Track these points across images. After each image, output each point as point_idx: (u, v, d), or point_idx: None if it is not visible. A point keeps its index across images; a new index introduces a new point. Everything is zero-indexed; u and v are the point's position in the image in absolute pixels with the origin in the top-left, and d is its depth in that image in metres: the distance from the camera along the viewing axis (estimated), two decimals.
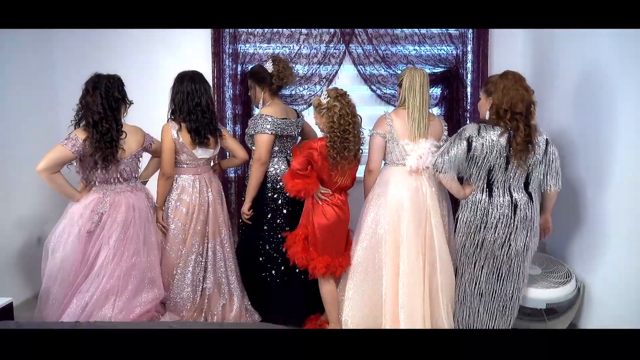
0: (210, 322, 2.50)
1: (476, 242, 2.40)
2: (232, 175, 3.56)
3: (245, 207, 2.75)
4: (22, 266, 3.13)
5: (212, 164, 2.87)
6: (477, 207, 2.38)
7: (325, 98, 2.49)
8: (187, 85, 2.56)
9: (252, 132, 2.73)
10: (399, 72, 2.96)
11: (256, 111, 3.43)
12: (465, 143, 2.31)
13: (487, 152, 2.29)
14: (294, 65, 3.38)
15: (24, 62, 3.18)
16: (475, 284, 2.44)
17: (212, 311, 2.69)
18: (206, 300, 2.71)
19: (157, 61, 3.44)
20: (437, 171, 2.37)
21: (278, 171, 2.78)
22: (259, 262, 2.77)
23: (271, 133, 2.68)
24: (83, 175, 2.45)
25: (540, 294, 2.51)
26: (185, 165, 2.67)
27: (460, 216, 2.46)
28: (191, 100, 2.56)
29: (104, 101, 2.33)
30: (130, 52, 3.45)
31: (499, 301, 2.44)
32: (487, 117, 2.37)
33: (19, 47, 3.11)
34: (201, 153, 2.65)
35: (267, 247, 2.74)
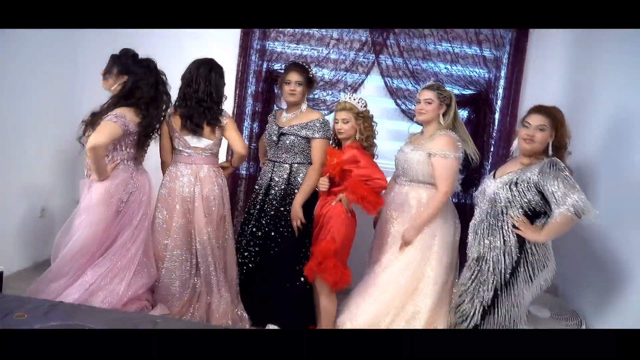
0: (194, 321, 2.41)
1: (538, 288, 2.26)
2: (244, 172, 3.49)
3: (300, 212, 2.61)
4: (21, 236, 3.11)
5: (217, 159, 2.72)
6: (547, 249, 2.22)
7: (363, 106, 2.58)
8: (188, 72, 2.55)
9: (316, 135, 2.65)
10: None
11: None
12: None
13: None
14: (320, 69, 3.33)
15: (46, 45, 3.16)
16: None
17: (199, 311, 2.60)
18: (196, 297, 2.62)
19: (184, 51, 3.35)
20: (580, 216, 2.04)
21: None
22: (295, 272, 2.62)
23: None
24: (111, 153, 2.40)
25: None
26: (179, 153, 2.60)
27: (529, 264, 2.20)
28: (188, 87, 2.51)
29: (156, 82, 2.45)
30: (156, 39, 3.41)
31: None
32: (550, 152, 2.22)
33: (44, 33, 3.08)
34: (195, 142, 2.56)
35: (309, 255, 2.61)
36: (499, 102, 3.32)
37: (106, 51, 2.45)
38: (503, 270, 2.21)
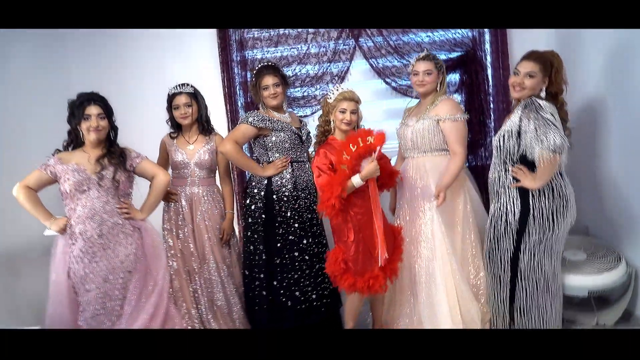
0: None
1: (558, 234, 2.16)
2: None
3: None
4: None
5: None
6: (564, 192, 2.14)
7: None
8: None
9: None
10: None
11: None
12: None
13: None
14: (304, 66, 3.30)
15: (36, 61, 3.15)
16: (548, 279, 2.21)
17: None
18: None
19: (166, 70, 3.35)
20: (560, 153, 1.99)
21: None
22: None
23: None
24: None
25: (583, 281, 2.32)
26: None
27: (537, 207, 2.14)
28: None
29: None
30: (138, 59, 3.43)
31: (560, 289, 2.28)
32: (543, 95, 2.19)
33: (31, 45, 3.08)
34: None
35: None
36: (488, 58, 3.26)
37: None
38: (513, 222, 2.18)
